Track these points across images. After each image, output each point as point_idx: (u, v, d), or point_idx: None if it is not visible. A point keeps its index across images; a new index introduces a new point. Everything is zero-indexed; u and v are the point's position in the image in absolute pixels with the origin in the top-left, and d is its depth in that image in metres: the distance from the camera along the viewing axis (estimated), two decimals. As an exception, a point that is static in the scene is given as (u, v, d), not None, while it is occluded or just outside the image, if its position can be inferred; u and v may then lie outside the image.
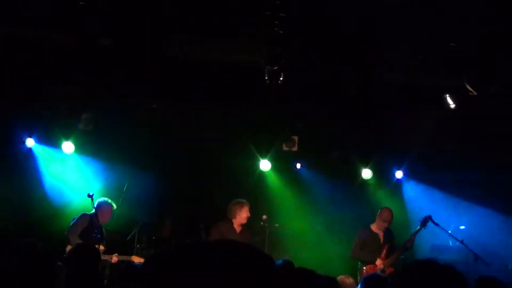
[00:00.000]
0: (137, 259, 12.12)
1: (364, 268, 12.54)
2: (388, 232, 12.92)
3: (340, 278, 9.00)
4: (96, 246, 10.80)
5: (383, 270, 12.43)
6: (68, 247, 11.73)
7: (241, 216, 12.31)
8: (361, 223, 13.32)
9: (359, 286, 8.84)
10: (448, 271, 3.61)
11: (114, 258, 11.98)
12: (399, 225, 13.43)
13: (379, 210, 13.00)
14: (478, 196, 13.87)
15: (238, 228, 12.38)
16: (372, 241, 12.76)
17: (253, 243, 11.83)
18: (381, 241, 12.78)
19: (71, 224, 12.07)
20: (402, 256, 12.56)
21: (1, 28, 11.10)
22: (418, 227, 12.56)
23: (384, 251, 12.59)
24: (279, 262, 9.38)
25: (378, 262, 12.51)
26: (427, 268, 3.64)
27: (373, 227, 12.91)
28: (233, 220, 12.38)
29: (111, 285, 10.36)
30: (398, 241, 12.84)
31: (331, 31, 10.87)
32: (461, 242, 12.14)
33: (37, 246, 6.73)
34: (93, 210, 11.93)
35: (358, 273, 12.37)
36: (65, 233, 11.93)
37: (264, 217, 12.63)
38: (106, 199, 12.34)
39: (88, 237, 11.79)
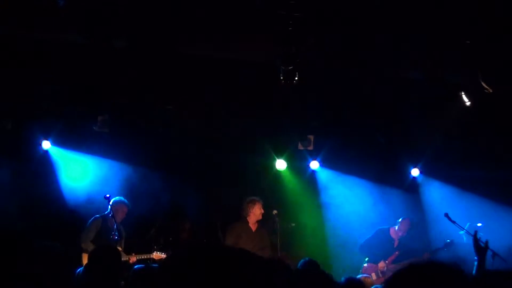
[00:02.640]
0: (158, 256, 12.16)
1: (364, 265, 12.64)
2: (404, 240, 13.01)
3: (360, 278, 9.01)
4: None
5: (383, 272, 12.49)
6: (84, 256, 11.74)
7: (255, 213, 12.38)
8: (377, 222, 13.32)
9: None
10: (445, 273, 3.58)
11: (132, 259, 11.99)
12: (416, 224, 13.41)
13: (400, 219, 13.10)
14: (495, 193, 13.79)
15: (253, 227, 12.41)
16: (386, 243, 12.83)
17: (267, 241, 11.89)
18: (395, 246, 12.88)
19: (83, 231, 12.08)
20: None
21: (18, 30, 11.14)
22: (440, 247, 12.67)
23: (393, 257, 12.67)
24: (303, 261, 9.41)
25: (381, 264, 12.59)
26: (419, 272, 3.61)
27: (392, 231, 13.00)
28: (248, 219, 12.41)
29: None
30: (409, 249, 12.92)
31: (346, 29, 10.85)
32: (478, 239, 12.08)
33: (58, 247, 6.77)
34: (107, 211, 11.95)
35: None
36: (79, 241, 11.93)
37: (275, 212, 12.61)
38: (121, 198, 12.36)
39: (105, 240, 11.78)
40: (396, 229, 13.12)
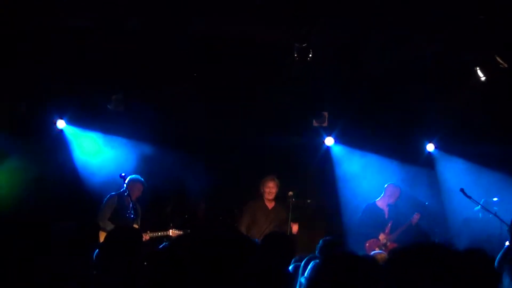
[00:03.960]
0: (174, 233, 12.22)
1: (366, 242, 12.66)
2: (393, 207, 13.02)
3: (375, 255, 9.02)
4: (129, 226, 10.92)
5: (385, 245, 12.53)
6: (101, 233, 11.79)
7: (265, 191, 12.46)
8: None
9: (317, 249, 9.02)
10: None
11: (146, 236, 12.01)
12: (432, 199, 13.41)
13: (386, 186, 13.12)
14: (510, 168, 13.76)
15: (269, 204, 12.46)
16: (376, 216, 12.86)
17: (284, 218, 11.88)
18: (386, 216, 12.90)
19: (100, 209, 12.13)
20: (435, 230, 12.61)
21: (31, 13, 11.15)
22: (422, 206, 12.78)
23: (389, 227, 12.71)
24: (325, 239, 9.42)
25: (381, 237, 12.64)
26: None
27: (379, 203, 13.04)
28: (264, 197, 12.45)
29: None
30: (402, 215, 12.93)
31: (360, 5, 10.81)
32: (495, 214, 12.07)
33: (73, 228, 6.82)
34: (123, 189, 11.99)
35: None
36: (97, 219, 11.98)
37: (290, 193, 12.62)
38: (137, 176, 12.39)
39: (121, 217, 11.84)
40: (382, 199, 13.11)
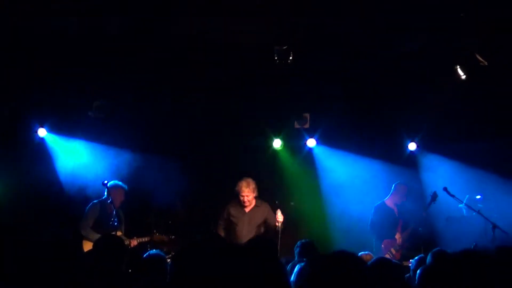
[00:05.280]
0: (157, 238, 12.20)
1: (381, 244, 12.59)
2: (402, 206, 12.97)
3: (362, 255, 9.01)
4: (114, 233, 10.87)
5: (401, 245, 12.49)
6: (84, 242, 11.75)
7: (241, 200, 12.14)
8: (375, 197, 13.33)
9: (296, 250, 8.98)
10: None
11: (133, 242, 12.02)
12: (415, 198, 13.41)
13: (393, 185, 13.06)
14: (492, 165, 13.80)
15: (248, 207, 12.20)
16: (388, 216, 12.79)
17: (261, 219, 11.75)
18: (396, 215, 12.84)
19: (82, 218, 12.07)
20: (420, 229, 12.57)
21: (9, 17, 11.07)
22: (429, 201, 12.59)
23: (399, 227, 12.67)
24: (302, 242, 9.41)
25: (398, 236, 12.58)
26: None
27: (387, 202, 12.97)
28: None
29: (134, 272, 10.35)
30: (410, 214, 12.88)
31: (339, 6, 10.81)
32: (478, 212, 12.09)
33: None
34: (104, 197, 11.93)
35: (374, 248, 12.40)
36: (78, 228, 11.93)
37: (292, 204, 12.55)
38: (117, 181, 12.34)
39: (104, 225, 11.77)
40: (390, 198, 13.06)
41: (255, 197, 12.25)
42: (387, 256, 12.14)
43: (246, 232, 11.81)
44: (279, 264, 4.27)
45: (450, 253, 4.96)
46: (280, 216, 11.86)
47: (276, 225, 11.83)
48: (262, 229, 12.04)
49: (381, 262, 6.18)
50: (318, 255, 4.38)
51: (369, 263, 6.78)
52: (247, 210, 12.18)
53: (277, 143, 14.25)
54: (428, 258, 6.91)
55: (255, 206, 12.24)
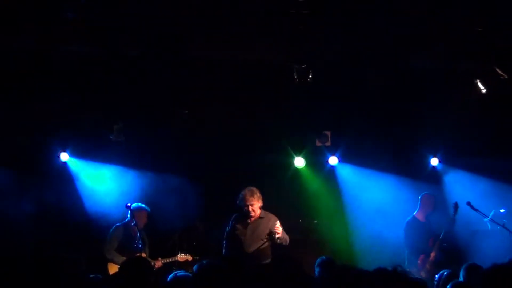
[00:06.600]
0: (182, 258, 12.19)
1: (418, 259, 12.44)
2: (430, 217, 12.87)
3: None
4: (138, 255, 10.90)
5: (432, 261, 12.35)
6: (110, 265, 11.80)
7: (247, 210, 11.58)
8: (399, 214, 13.27)
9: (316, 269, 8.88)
10: None
11: (158, 263, 12.06)
12: (438, 213, 13.33)
13: (421, 197, 12.95)
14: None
15: (251, 219, 11.63)
16: (420, 231, 12.66)
17: (263, 232, 11.43)
18: (427, 229, 12.71)
19: (106, 241, 12.12)
20: (444, 244, 12.47)
21: (32, 42, 11.19)
22: (452, 212, 12.49)
23: (431, 241, 12.52)
24: (322, 258, 9.36)
25: (433, 254, 12.41)
26: None
27: (418, 216, 12.85)
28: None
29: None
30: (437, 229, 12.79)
31: (357, 22, 10.84)
32: (503, 226, 12.04)
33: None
34: (127, 219, 11.98)
35: (407, 264, 12.30)
36: (103, 251, 11.99)
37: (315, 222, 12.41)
38: (140, 204, 12.37)
39: (128, 248, 11.83)
40: (419, 211, 12.92)
41: (260, 208, 11.68)
42: (422, 273, 12.07)
43: (249, 243, 11.40)
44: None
45: (482, 268, 4.92)
46: (278, 228, 11.29)
47: (274, 237, 11.28)
48: (267, 242, 11.45)
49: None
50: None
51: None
52: (250, 221, 11.62)
53: (299, 162, 14.20)
54: (461, 273, 6.87)
55: (259, 217, 11.64)
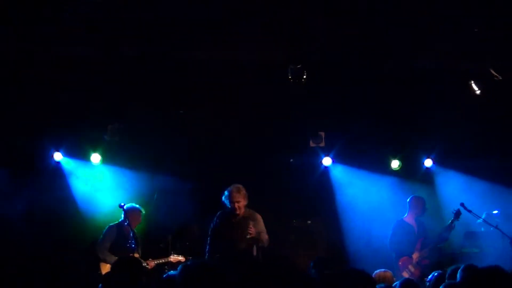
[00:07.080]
0: (175, 259, 12.16)
1: (399, 261, 12.48)
2: (420, 222, 12.85)
3: (379, 273, 8.94)
4: (131, 255, 10.89)
5: (418, 262, 12.38)
6: (102, 265, 11.78)
7: (233, 207, 11.47)
8: (393, 215, 13.26)
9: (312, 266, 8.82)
10: None
11: (151, 264, 12.02)
12: (432, 214, 13.34)
13: (409, 200, 12.94)
14: (509, 181, 13.75)
15: (237, 216, 11.51)
16: (407, 234, 12.65)
17: (247, 230, 11.36)
18: (416, 232, 12.70)
19: (99, 240, 12.10)
20: (439, 245, 12.48)
21: (26, 43, 11.17)
22: (452, 218, 12.46)
23: (419, 244, 12.53)
24: (319, 257, 9.35)
25: (415, 255, 12.43)
26: None
27: (407, 219, 12.83)
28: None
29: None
30: (430, 231, 12.78)
31: (354, 22, 10.84)
32: (496, 227, 12.04)
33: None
34: (121, 219, 11.97)
35: (395, 265, 12.30)
36: (95, 251, 11.97)
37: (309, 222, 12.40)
38: (134, 204, 12.36)
39: (121, 248, 11.83)
40: (409, 214, 12.91)
41: (245, 206, 11.54)
42: (405, 273, 12.07)
43: (239, 241, 11.26)
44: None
45: (479, 269, 4.90)
46: (251, 228, 11.24)
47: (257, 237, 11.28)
48: (253, 240, 11.33)
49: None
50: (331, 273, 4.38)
51: (395, 283, 6.74)
52: (235, 219, 11.50)
53: (293, 162, 14.24)
54: (459, 274, 6.86)
55: (244, 215, 11.50)
